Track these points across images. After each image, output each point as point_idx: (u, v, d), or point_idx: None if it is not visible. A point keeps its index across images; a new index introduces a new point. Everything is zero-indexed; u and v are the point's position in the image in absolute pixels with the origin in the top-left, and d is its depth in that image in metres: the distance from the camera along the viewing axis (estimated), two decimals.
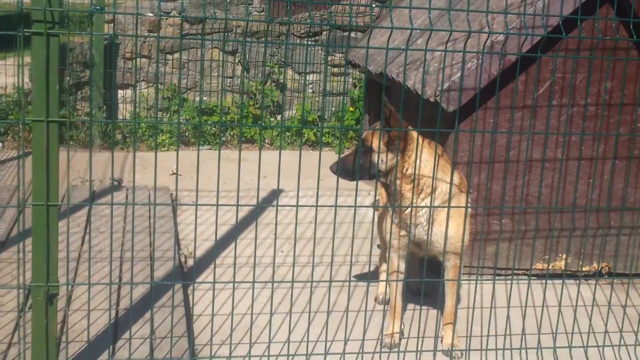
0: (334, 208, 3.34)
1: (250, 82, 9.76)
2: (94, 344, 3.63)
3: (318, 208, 3.29)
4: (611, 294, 4.16)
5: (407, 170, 3.82)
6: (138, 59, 9.47)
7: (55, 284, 3.16)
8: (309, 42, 10.03)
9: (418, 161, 3.78)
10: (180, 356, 3.56)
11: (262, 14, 10.52)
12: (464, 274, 4.78)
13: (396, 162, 3.79)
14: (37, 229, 3.11)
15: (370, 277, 4.92)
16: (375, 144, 3.81)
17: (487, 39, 3.92)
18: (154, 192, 3.58)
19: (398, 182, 3.85)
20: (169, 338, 3.63)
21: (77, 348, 3.58)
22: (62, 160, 3.14)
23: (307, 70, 10.01)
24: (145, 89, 9.52)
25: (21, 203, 3.26)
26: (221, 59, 9.54)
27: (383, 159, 3.82)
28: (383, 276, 4.73)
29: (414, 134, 3.83)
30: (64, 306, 3.98)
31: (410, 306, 4.57)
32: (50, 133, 3.06)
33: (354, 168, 3.85)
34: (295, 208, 3.50)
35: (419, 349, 3.79)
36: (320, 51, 10.00)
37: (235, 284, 3.85)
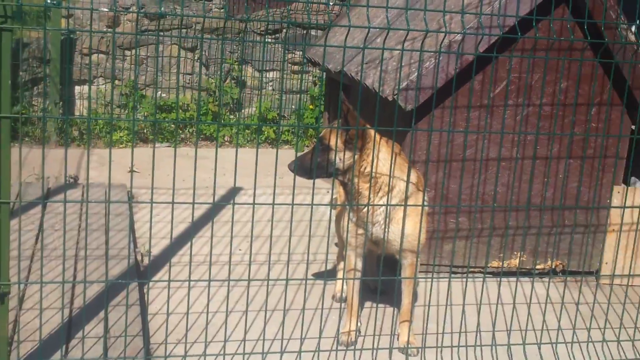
0: (293, 206, 3.34)
1: (210, 79, 9.70)
2: (47, 344, 3.58)
3: (278, 206, 3.29)
4: (564, 292, 4.22)
5: (365, 168, 3.82)
6: (96, 55, 9.36)
7: (6, 283, 3.11)
8: (268, 40, 10.00)
9: (376, 160, 3.79)
10: (134, 355, 3.52)
11: (222, 10, 10.46)
12: (420, 272, 4.81)
13: (354, 161, 3.80)
14: None
15: (328, 275, 4.92)
16: (333, 142, 3.81)
17: (443, 39, 3.94)
18: (108, 190, 3.53)
19: (356, 180, 3.85)
20: (123, 337, 3.59)
21: (29, 348, 3.53)
22: (14, 158, 3.08)
23: (267, 68, 9.98)
24: (103, 85, 9.41)
25: None
26: (179, 55, 9.47)
27: (341, 157, 3.82)
28: (341, 274, 4.74)
29: (372, 132, 3.83)
30: (16, 305, 3.92)
31: (367, 304, 4.59)
32: (1, 129, 3.00)
33: (311, 166, 3.84)
34: (254, 206, 3.48)
35: (375, 346, 3.80)
36: (280, 49, 9.98)
37: (192, 283, 3.84)
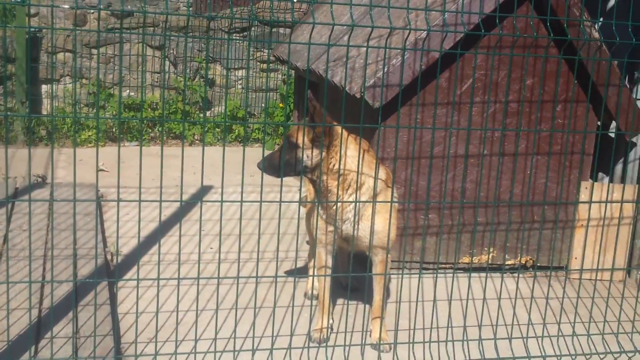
0: (262, 204, 3.34)
1: (178, 77, 9.65)
2: (16, 344, 3.54)
3: (251, 204, 3.28)
4: (534, 286, 4.27)
5: (333, 165, 3.83)
6: (62, 54, 9.26)
7: None
8: (235, 38, 9.97)
9: (344, 157, 3.80)
10: (105, 355, 3.49)
11: (191, 9, 10.41)
12: (392, 268, 4.83)
13: (321, 158, 3.81)
14: None
15: (300, 272, 4.93)
16: (300, 140, 3.82)
17: (407, 35, 3.95)
18: (74, 189, 3.50)
19: (324, 177, 3.86)
20: (93, 337, 3.56)
21: None
22: None
23: (235, 67, 9.96)
24: (69, 83, 9.32)
25: None
26: (145, 53, 9.41)
27: (308, 155, 3.83)
28: (312, 272, 4.74)
29: (339, 129, 3.84)
30: None
31: (339, 301, 4.60)
32: None
33: (279, 164, 3.84)
34: (223, 204, 3.48)
35: (347, 343, 3.81)
36: (248, 47, 9.96)
37: (163, 282, 3.82)
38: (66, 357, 3.45)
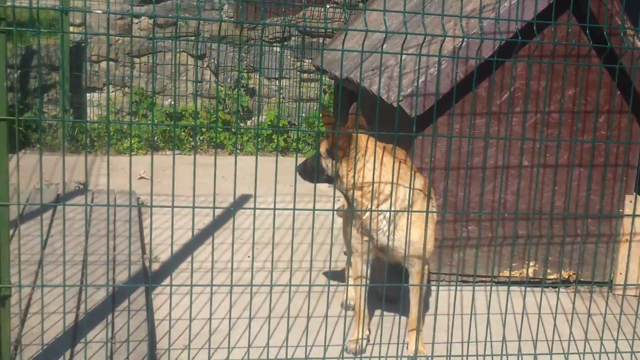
0: (307, 213, 3.32)
1: (220, 86, 9.72)
2: (52, 348, 3.56)
3: (297, 213, 3.28)
4: (574, 301, 4.18)
5: (349, 175, 3.79)
6: (107, 62, 9.40)
7: (7, 285, 3.10)
8: (276, 47, 10.02)
9: (363, 167, 3.76)
10: None
11: (231, 18, 10.48)
12: (431, 280, 4.76)
13: (335, 168, 3.79)
14: None
15: (337, 282, 4.89)
16: (322, 149, 3.84)
17: (442, 43, 3.91)
18: (107, 195, 3.52)
19: (347, 187, 3.84)
20: (127, 343, 3.56)
21: (34, 352, 3.51)
22: (27, 164, 3.09)
23: (275, 76, 10.01)
24: (112, 92, 9.44)
25: None
26: (193, 63, 9.50)
27: (327, 165, 3.83)
28: (350, 282, 4.70)
29: (359, 139, 3.78)
30: (23, 309, 3.91)
31: (376, 312, 4.54)
32: None
33: (311, 171, 3.90)
34: (266, 212, 3.47)
35: (383, 355, 3.76)
36: (289, 56, 9.99)
37: (198, 289, 3.82)
38: None
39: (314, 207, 3.44)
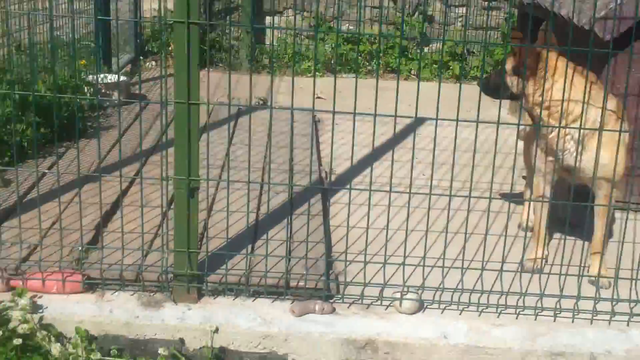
0: (484, 137, 3.23)
1: (397, 13, 9.60)
2: (235, 242, 3.70)
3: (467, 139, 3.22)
4: None
5: (538, 94, 3.64)
6: None
7: (196, 178, 3.24)
8: None
9: (551, 86, 3.58)
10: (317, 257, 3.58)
11: None
12: (617, 209, 4.50)
13: (523, 87, 3.65)
14: (179, 127, 3.22)
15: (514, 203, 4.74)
16: (507, 66, 3.72)
17: None
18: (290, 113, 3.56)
19: (533, 106, 3.69)
20: (305, 243, 3.62)
21: (218, 244, 3.66)
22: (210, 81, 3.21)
23: (456, 3, 9.74)
24: (291, 16, 9.56)
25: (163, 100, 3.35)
26: None
27: (513, 82, 3.71)
28: (527, 203, 4.54)
29: (551, 59, 3.61)
30: (207, 207, 4.08)
31: (556, 235, 4.37)
32: (191, 35, 3.10)
33: (493, 87, 3.88)
34: (442, 134, 3.42)
35: (563, 273, 3.61)
36: None
37: (374, 199, 3.82)
38: (281, 255, 3.56)
39: (498, 120, 3.33)
